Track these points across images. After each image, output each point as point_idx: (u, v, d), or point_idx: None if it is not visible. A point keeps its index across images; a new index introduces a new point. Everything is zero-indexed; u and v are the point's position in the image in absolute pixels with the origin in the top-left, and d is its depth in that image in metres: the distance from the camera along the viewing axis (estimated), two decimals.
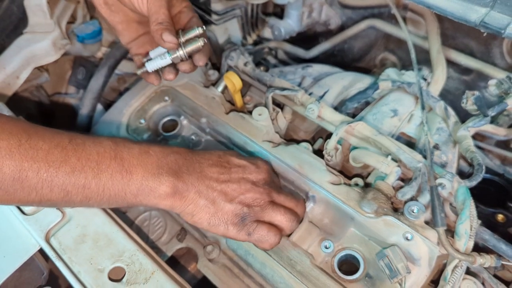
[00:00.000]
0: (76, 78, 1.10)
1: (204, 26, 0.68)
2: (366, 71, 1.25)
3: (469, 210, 0.64)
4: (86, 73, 1.11)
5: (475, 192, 0.83)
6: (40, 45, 0.91)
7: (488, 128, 0.89)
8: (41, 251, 0.63)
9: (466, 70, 1.02)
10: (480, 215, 0.79)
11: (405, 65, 1.14)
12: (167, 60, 0.68)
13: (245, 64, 0.89)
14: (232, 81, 0.79)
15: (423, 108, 0.75)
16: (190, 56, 0.69)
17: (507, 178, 0.88)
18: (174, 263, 0.80)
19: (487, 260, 0.62)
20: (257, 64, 1.20)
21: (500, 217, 0.81)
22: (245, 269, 0.68)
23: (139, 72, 0.71)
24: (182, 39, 0.67)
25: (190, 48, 0.67)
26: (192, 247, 0.77)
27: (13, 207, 0.62)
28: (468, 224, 0.64)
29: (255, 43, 1.26)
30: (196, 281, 0.79)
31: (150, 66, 0.69)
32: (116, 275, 0.55)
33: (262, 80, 0.86)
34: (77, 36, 1.01)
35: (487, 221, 0.82)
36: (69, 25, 1.02)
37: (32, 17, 0.92)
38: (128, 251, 0.57)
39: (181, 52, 0.67)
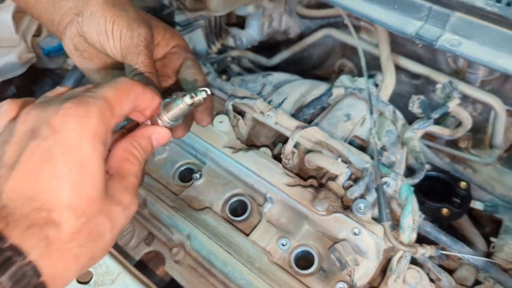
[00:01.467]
0: (43, 90, 1.12)
1: (207, 89, 0.50)
2: (325, 77, 1.32)
3: (412, 205, 0.71)
4: (52, 85, 1.13)
5: (423, 189, 0.90)
6: (5, 60, 0.93)
7: (435, 129, 0.96)
8: None
9: (415, 76, 1.10)
10: (426, 210, 0.86)
11: (361, 71, 1.21)
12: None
13: (207, 74, 0.94)
14: None
15: (371, 112, 0.81)
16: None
17: (452, 176, 0.95)
18: (143, 266, 0.83)
19: (428, 250, 0.69)
20: (222, 71, 1.25)
21: (444, 211, 0.88)
22: (209, 269, 0.72)
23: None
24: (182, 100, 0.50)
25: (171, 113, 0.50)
26: (160, 250, 0.81)
27: None
28: (411, 219, 0.70)
29: (220, 52, 1.31)
30: (165, 283, 0.82)
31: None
32: (84, 278, 0.58)
33: (223, 89, 0.91)
34: (43, 49, 1.04)
35: (433, 215, 0.89)
36: (34, 38, 1.04)
37: None
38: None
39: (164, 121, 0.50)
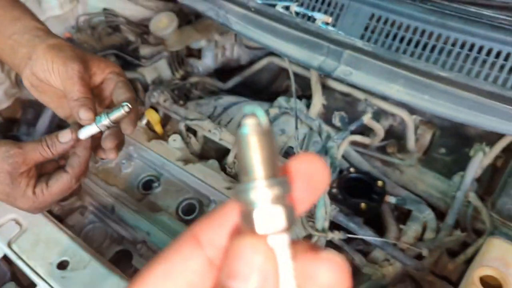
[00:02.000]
0: (26, 118, 1.29)
1: (128, 104, 0.64)
2: (275, 97, 1.51)
3: (324, 199, 0.89)
4: (35, 113, 1.31)
5: (347, 188, 1.09)
6: None
7: (357, 138, 1.16)
8: (5, 257, 0.82)
9: (346, 94, 1.30)
10: (349, 205, 1.05)
11: (304, 92, 1.41)
12: (94, 127, 0.67)
13: (165, 101, 1.13)
14: (152, 116, 1.02)
15: (296, 127, 1.01)
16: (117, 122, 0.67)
17: (372, 176, 1.14)
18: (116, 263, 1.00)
19: (336, 234, 0.87)
20: (184, 95, 1.43)
21: (363, 205, 1.06)
22: None
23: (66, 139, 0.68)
24: (107, 116, 0.66)
25: (113, 116, 0.66)
26: (128, 248, 0.98)
27: None
28: (323, 210, 0.89)
29: (184, 77, 1.49)
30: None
31: (81, 134, 0.68)
32: (62, 266, 0.75)
33: (178, 113, 1.09)
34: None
35: (355, 209, 1.07)
36: (18, 75, 1.21)
37: None
38: (71, 248, 0.77)
39: (106, 121, 0.66)
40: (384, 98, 1.21)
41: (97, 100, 0.73)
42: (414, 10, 0.79)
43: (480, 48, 0.74)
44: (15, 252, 0.78)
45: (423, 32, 0.78)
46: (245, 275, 0.25)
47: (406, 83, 0.80)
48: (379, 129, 1.10)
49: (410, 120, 1.17)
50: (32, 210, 0.69)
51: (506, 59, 0.72)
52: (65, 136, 0.67)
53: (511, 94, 0.71)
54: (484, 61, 0.74)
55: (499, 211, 1.05)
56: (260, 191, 0.25)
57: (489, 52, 0.73)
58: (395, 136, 1.30)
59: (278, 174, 0.26)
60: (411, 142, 1.22)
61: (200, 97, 1.42)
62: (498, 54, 0.72)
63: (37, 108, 1.32)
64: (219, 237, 0.28)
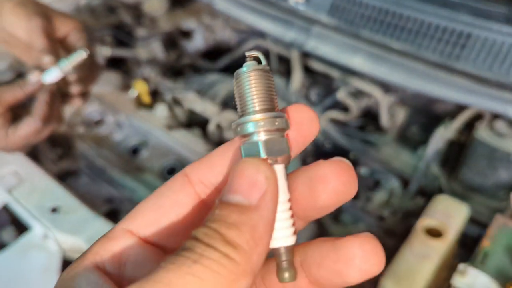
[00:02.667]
0: None
1: (86, 49, 0.76)
2: None
3: (294, 162, 0.99)
4: None
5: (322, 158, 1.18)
6: None
7: (333, 114, 1.25)
8: (5, 207, 0.92)
9: (324, 74, 1.39)
10: None
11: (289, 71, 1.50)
12: (57, 71, 0.75)
13: (155, 75, 1.22)
14: (140, 86, 1.12)
15: None
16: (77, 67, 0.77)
17: (344, 149, 1.22)
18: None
19: None
20: (177, 74, 1.53)
21: None
22: None
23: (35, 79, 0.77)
24: (66, 60, 0.76)
25: (72, 59, 0.76)
26: (118, 208, 1.08)
27: None
28: None
29: (177, 57, 1.59)
30: None
31: (46, 78, 0.76)
32: (55, 210, 0.85)
33: (166, 87, 1.19)
34: None
35: None
36: None
37: None
38: (63, 196, 0.87)
39: (66, 66, 0.75)
40: (358, 76, 1.30)
41: (62, 53, 0.81)
42: None
43: (429, 24, 0.83)
44: (15, 199, 0.88)
45: (380, 10, 0.87)
46: (246, 190, 0.26)
47: (366, 56, 0.89)
48: (352, 106, 1.19)
49: (383, 99, 1.26)
50: (5, 150, 0.79)
51: (451, 34, 0.81)
52: (34, 77, 0.76)
53: (455, 65, 0.80)
54: (432, 36, 0.83)
55: (461, 182, 1.14)
56: (263, 121, 0.27)
57: (436, 28, 0.82)
58: (372, 116, 1.38)
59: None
60: (384, 120, 1.31)
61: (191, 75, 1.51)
62: (444, 30, 0.82)
63: None
64: (208, 176, 0.30)
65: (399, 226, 1.03)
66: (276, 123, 0.27)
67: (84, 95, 0.83)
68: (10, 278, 0.79)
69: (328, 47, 0.93)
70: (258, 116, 0.27)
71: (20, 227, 0.90)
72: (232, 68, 1.57)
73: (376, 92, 1.27)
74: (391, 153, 1.37)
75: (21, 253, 0.82)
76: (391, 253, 0.93)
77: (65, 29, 0.82)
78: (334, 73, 1.32)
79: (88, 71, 0.82)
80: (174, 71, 1.51)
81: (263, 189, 0.26)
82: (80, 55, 0.76)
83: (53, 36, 0.78)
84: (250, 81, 0.27)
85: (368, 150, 1.36)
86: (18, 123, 0.77)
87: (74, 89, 0.80)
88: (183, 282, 0.23)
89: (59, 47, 0.80)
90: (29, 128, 0.76)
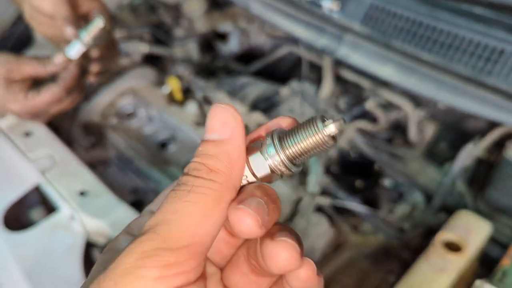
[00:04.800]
0: None
1: (101, 16, 0.81)
2: None
3: (316, 167, 1.00)
4: None
5: (345, 167, 1.18)
6: None
7: (361, 124, 1.25)
8: (37, 188, 0.97)
9: (355, 84, 1.39)
10: (345, 182, 1.15)
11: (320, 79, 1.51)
12: (79, 45, 0.82)
13: (188, 74, 1.26)
14: (173, 83, 1.15)
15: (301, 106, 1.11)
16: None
17: (370, 160, 1.22)
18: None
19: (322, 199, 0.97)
20: (210, 74, 1.56)
21: (357, 183, 1.15)
22: None
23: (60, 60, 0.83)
24: (85, 31, 0.81)
25: (90, 29, 0.81)
26: (142, 198, 1.11)
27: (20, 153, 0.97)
28: (315, 175, 0.99)
29: (211, 60, 1.63)
30: None
31: (70, 53, 0.82)
32: (83, 194, 0.89)
33: (197, 85, 1.22)
34: None
35: (350, 186, 1.17)
36: None
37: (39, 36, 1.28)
38: (92, 182, 0.91)
39: (86, 37, 0.81)
40: (389, 89, 1.30)
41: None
42: (408, 1, 0.88)
43: (462, 38, 0.83)
44: (47, 180, 0.92)
45: (413, 22, 0.87)
46: (219, 128, 0.34)
47: (396, 66, 0.89)
48: (381, 117, 1.19)
49: (412, 112, 1.25)
50: (24, 114, 0.82)
51: (484, 49, 0.80)
52: (59, 58, 0.80)
53: (486, 80, 0.80)
54: (465, 50, 0.83)
55: (487, 201, 1.12)
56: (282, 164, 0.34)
57: (469, 42, 0.82)
58: (400, 129, 1.38)
59: None
60: (413, 134, 1.30)
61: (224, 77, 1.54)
62: (477, 45, 0.81)
63: None
64: None
65: (419, 240, 1.02)
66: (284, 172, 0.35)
67: (102, 74, 0.88)
68: (37, 254, 0.83)
69: (359, 56, 0.94)
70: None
71: (49, 208, 0.94)
72: (264, 73, 1.60)
73: (406, 106, 1.26)
74: (417, 168, 1.36)
75: (48, 232, 0.86)
76: (407, 266, 0.93)
77: (88, 6, 0.87)
78: (365, 83, 1.32)
79: (107, 51, 0.87)
80: (207, 72, 1.54)
81: (232, 126, 0.33)
82: (97, 24, 0.80)
83: (76, 10, 0.84)
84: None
85: (394, 163, 1.35)
86: (41, 88, 0.81)
87: (94, 67, 0.86)
88: (183, 208, 0.31)
89: (81, 22, 0.85)
90: (52, 94, 0.80)
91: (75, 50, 0.81)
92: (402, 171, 1.33)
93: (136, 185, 1.12)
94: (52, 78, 0.83)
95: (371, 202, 1.18)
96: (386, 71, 0.90)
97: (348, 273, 1.07)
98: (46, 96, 0.80)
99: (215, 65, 1.53)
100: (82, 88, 0.85)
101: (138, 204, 1.12)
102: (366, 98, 1.37)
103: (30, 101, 0.80)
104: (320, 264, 1.01)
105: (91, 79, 0.88)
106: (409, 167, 1.36)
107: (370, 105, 1.17)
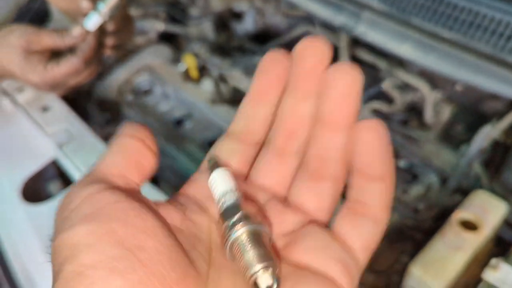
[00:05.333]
0: None
1: None
2: None
3: None
4: None
5: None
6: None
7: (376, 105, 1.24)
8: (53, 162, 0.98)
9: (370, 65, 1.38)
10: None
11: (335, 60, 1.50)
12: (96, 16, 0.79)
13: (204, 53, 1.26)
14: (189, 60, 1.15)
15: None
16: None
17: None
18: None
19: None
20: (225, 53, 1.56)
21: None
22: None
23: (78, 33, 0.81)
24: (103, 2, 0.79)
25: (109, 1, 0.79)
26: (156, 175, 1.12)
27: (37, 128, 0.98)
28: None
29: (226, 40, 1.62)
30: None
31: (88, 25, 0.80)
32: None
33: (213, 63, 1.22)
34: None
35: None
36: None
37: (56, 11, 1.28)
38: None
39: (104, 8, 0.79)
40: (410, 69, 1.29)
41: None
42: None
43: (484, 16, 0.81)
44: (64, 154, 0.93)
45: None
46: None
47: (415, 43, 0.88)
48: (397, 98, 1.18)
49: (429, 94, 1.23)
50: (42, 85, 0.83)
51: (506, 27, 0.79)
52: (77, 30, 0.80)
53: (507, 58, 0.79)
54: (486, 28, 0.81)
55: (502, 184, 1.11)
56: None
57: (491, 20, 0.80)
58: (416, 111, 1.36)
59: None
60: (428, 116, 1.29)
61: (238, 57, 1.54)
62: (499, 22, 0.80)
63: None
64: None
65: (433, 221, 1.02)
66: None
67: (118, 48, 0.88)
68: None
69: (377, 33, 0.92)
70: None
71: (66, 181, 0.96)
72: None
73: (423, 87, 1.25)
74: (432, 150, 1.35)
75: None
76: (420, 247, 0.93)
77: None
78: (382, 64, 1.31)
79: (123, 25, 0.87)
80: (222, 51, 1.54)
81: None
82: None
83: None
84: None
85: (409, 145, 1.35)
86: (60, 59, 0.81)
87: (109, 40, 0.85)
88: None
89: None
90: (71, 65, 0.80)
91: (92, 22, 0.80)
92: (417, 153, 1.33)
93: None
94: (70, 50, 0.83)
95: None
96: (404, 49, 0.89)
97: None
98: (65, 67, 0.80)
99: (230, 44, 1.53)
100: (100, 60, 0.85)
101: (154, 180, 1.13)
102: (382, 79, 1.36)
103: (49, 72, 0.80)
104: None
105: (107, 52, 0.88)
106: (424, 149, 1.35)
107: (387, 85, 1.16)
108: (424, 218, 1.03)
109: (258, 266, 0.23)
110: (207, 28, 1.54)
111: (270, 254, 0.24)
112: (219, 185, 0.28)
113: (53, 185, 0.97)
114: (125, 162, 0.28)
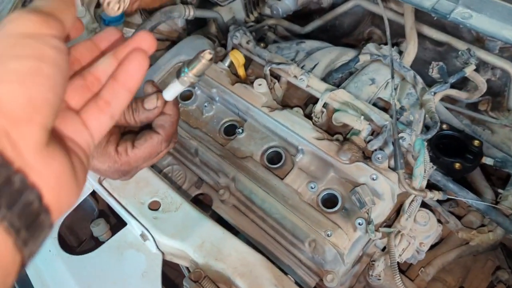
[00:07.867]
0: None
1: (208, 50, 0.50)
2: (355, 44, 1.41)
3: (423, 157, 0.82)
4: None
5: (440, 146, 1.01)
6: None
7: (453, 92, 1.06)
8: (92, 194, 0.82)
9: (439, 43, 1.18)
10: (441, 165, 0.97)
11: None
12: (178, 85, 0.53)
13: (247, 42, 1.06)
14: (237, 57, 0.96)
15: (392, 77, 0.92)
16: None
17: (467, 135, 1.05)
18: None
19: (436, 195, 0.81)
20: (259, 39, 1.36)
21: (457, 165, 0.98)
22: (250, 206, 0.87)
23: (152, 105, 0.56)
24: (187, 68, 0.51)
25: (195, 68, 0.51)
26: (208, 193, 0.96)
27: None
28: (422, 168, 0.82)
29: (257, 21, 1.42)
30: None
31: (167, 95, 0.55)
32: (154, 206, 0.74)
33: (262, 56, 1.03)
34: (103, 19, 1.18)
35: (447, 169, 0.99)
36: (96, 9, 1.18)
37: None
38: (161, 189, 0.76)
39: (187, 77, 0.52)
40: (489, 49, 1.10)
41: None
42: None
43: None
44: (105, 189, 0.76)
45: None
46: None
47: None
48: (482, 83, 0.99)
49: None
50: (111, 172, 0.58)
51: None
52: (151, 102, 0.54)
53: None
54: None
55: None
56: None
57: None
58: (490, 93, 1.18)
59: None
60: None
61: (275, 41, 1.34)
62: None
63: None
64: None
65: None
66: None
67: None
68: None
69: (484, 17, 0.74)
70: None
71: (110, 223, 0.80)
72: (323, 33, 1.39)
73: (510, 67, 1.06)
74: (509, 137, 1.18)
75: (115, 251, 0.72)
76: None
77: None
78: (456, 43, 1.12)
79: None
80: (258, 35, 1.34)
81: None
82: (202, 61, 0.50)
83: None
84: None
85: (480, 132, 1.17)
86: (137, 140, 0.57)
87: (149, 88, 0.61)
88: None
89: None
90: (152, 148, 0.55)
91: (172, 93, 0.54)
92: (490, 140, 1.16)
93: (200, 179, 0.96)
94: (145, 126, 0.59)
95: (463, 183, 1.01)
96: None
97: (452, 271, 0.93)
98: (143, 151, 0.56)
99: (267, 25, 1.33)
100: (177, 134, 0.61)
101: (206, 200, 0.97)
102: (451, 59, 1.17)
103: (122, 157, 0.56)
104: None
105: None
106: (499, 135, 1.18)
107: (470, 70, 0.97)
108: None
109: None
110: (237, 8, 1.34)
111: None
112: None
113: (97, 228, 0.81)
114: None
